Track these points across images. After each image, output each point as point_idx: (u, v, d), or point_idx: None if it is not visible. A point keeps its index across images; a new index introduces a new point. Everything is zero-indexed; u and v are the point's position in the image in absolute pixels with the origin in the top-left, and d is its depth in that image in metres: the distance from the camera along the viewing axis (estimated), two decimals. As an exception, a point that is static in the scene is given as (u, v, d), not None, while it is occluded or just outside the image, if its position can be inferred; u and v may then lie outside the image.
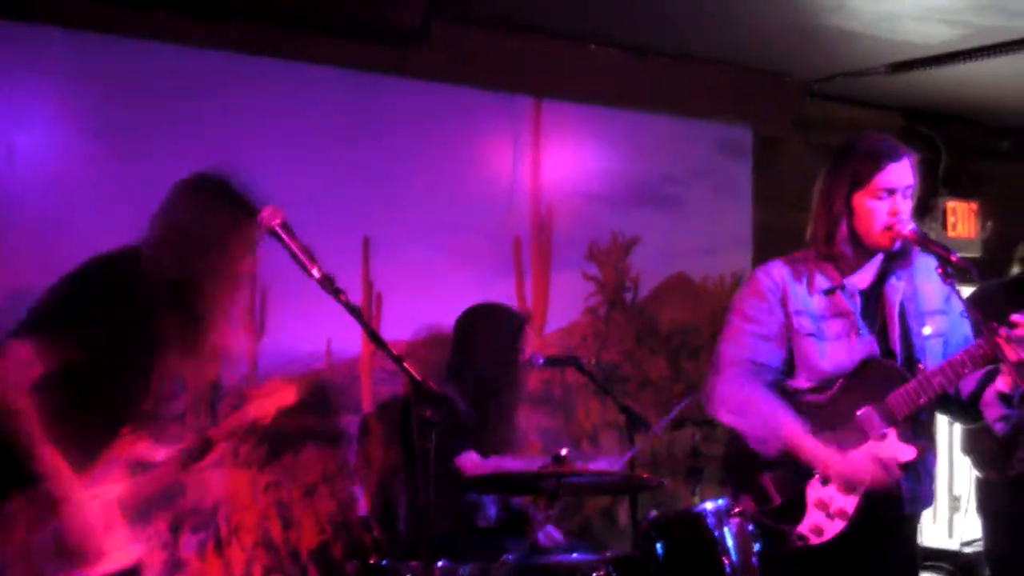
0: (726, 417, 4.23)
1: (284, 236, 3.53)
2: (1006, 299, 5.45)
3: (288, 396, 4.60)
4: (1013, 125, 8.61)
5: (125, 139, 5.55)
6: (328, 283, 3.48)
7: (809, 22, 6.45)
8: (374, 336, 3.53)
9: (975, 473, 5.74)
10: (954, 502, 7.72)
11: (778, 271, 4.26)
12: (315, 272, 3.47)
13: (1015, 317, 3.86)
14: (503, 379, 5.68)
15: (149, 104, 5.63)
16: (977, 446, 5.58)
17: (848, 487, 4.02)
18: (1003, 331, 3.83)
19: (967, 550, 6.37)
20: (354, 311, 3.54)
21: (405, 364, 3.54)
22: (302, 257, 3.50)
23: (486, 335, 5.77)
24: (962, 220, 8.29)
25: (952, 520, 7.73)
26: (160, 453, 4.36)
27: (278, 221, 3.55)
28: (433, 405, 3.55)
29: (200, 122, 5.74)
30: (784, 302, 4.19)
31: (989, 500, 5.74)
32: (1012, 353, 3.80)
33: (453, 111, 6.42)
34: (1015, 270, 5.73)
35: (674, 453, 6.87)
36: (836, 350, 4.11)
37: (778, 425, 4.09)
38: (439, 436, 3.57)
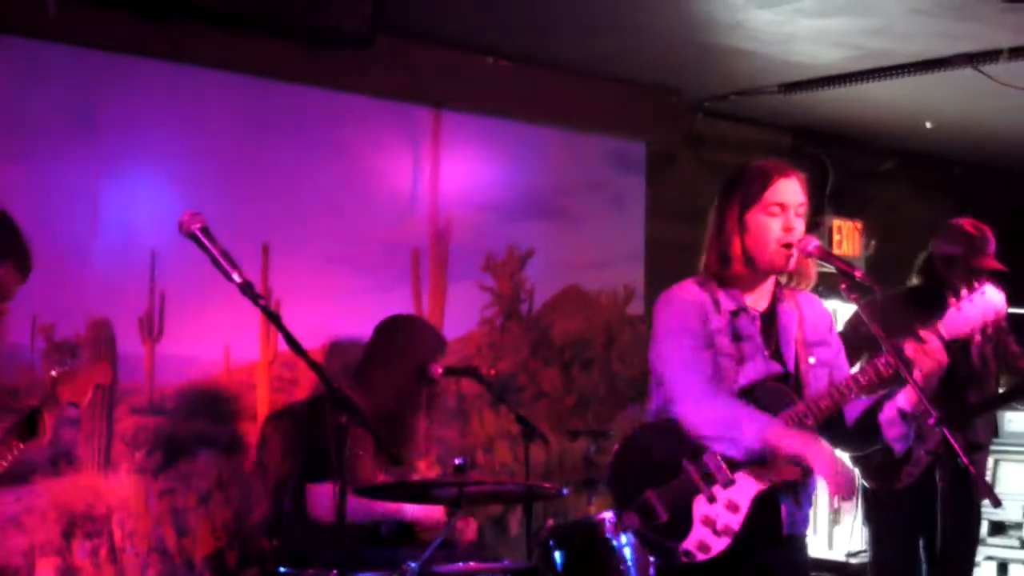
0: (705, 430, 4.19)
1: (205, 241, 3.52)
2: (904, 309, 5.60)
3: (104, 374, 4.63)
4: (897, 147, 8.82)
5: (17, 140, 5.46)
6: (248, 289, 3.47)
7: (704, 40, 6.55)
8: (292, 342, 3.54)
9: (862, 483, 5.88)
10: (834, 515, 7.88)
11: (692, 288, 4.25)
12: (236, 277, 3.47)
13: (923, 333, 3.94)
14: (414, 392, 5.69)
15: (42, 105, 5.55)
16: (867, 459, 5.71)
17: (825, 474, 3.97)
18: (910, 345, 3.92)
19: (853, 561, 6.51)
20: (273, 317, 3.55)
21: (322, 370, 3.56)
22: (223, 262, 3.49)
23: (406, 345, 5.78)
24: (847, 238, 8.47)
25: (832, 532, 7.89)
26: None
27: (198, 226, 3.53)
28: (348, 411, 3.57)
29: (97, 125, 5.68)
30: (704, 318, 4.22)
31: (876, 510, 5.89)
32: (925, 362, 3.88)
33: (353, 119, 6.41)
34: (913, 280, 5.88)
35: (565, 464, 6.94)
36: (747, 369, 4.15)
37: (742, 422, 4.05)
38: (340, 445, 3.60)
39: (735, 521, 4.06)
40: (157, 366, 5.73)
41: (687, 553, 4.07)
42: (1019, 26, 6.16)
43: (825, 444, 4.05)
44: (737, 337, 4.18)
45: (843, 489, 3.97)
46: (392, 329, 5.82)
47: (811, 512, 4.29)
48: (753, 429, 4.02)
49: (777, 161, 4.30)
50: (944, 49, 6.61)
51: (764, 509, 4.09)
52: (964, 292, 4.01)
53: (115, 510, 5.61)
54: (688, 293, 4.24)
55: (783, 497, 4.12)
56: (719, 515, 4.07)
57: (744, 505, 4.07)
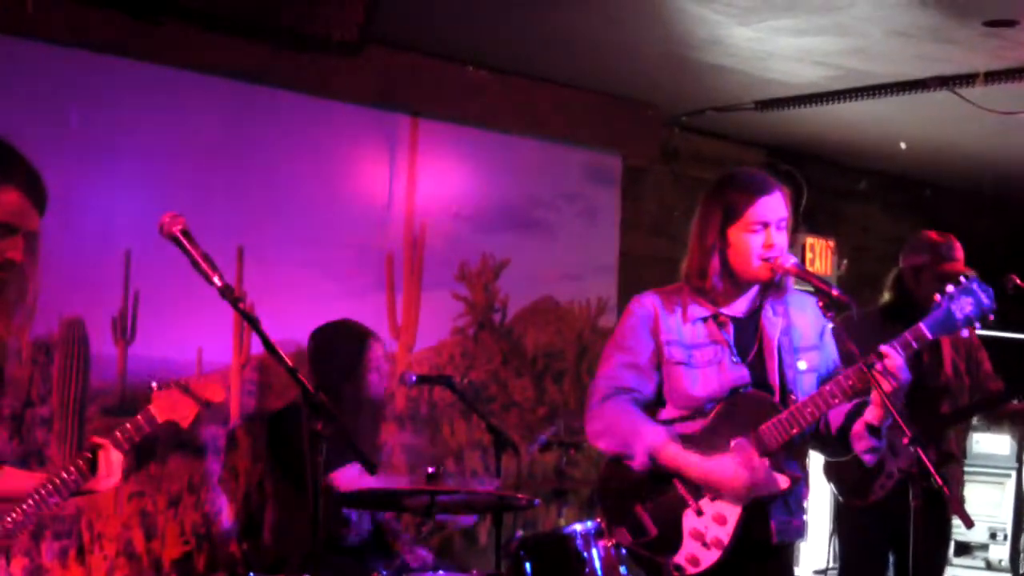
0: (599, 443, 4.25)
1: (185, 243, 3.49)
2: (875, 327, 5.61)
3: (215, 393, 3.92)
4: (871, 167, 8.86)
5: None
6: (228, 292, 3.44)
7: (683, 56, 6.57)
8: (270, 347, 3.51)
9: (836, 499, 5.89)
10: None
11: (651, 301, 4.26)
12: (216, 280, 3.44)
13: (884, 348, 3.95)
14: (350, 393, 5.67)
15: (18, 102, 5.49)
16: (840, 473, 5.74)
17: (729, 493, 4.04)
18: (876, 363, 3.92)
19: (821, 578, 6.53)
20: (252, 321, 3.52)
21: (299, 376, 3.53)
22: (203, 265, 3.46)
23: (330, 349, 5.78)
24: (820, 257, 8.51)
25: (799, 548, 7.90)
26: (26, 480, 3.68)
27: (179, 228, 3.51)
28: (324, 418, 3.55)
29: (74, 123, 5.65)
30: (655, 332, 4.20)
31: (848, 526, 5.90)
32: (885, 384, 3.89)
33: (332, 124, 6.41)
34: (885, 297, 5.89)
35: (536, 475, 6.93)
36: (706, 377, 4.14)
37: (638, 435, 4.09)
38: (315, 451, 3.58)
39: (724, 533, 4.06)
40: (130, 367, 5.71)
41: (678, 567, 4.06)
42: (996, 50, 6.21)
43: (726, 460, 4.05)
44: (696, 345, 4.18)
45: (745, 500, 4.01)
46: (317, 336, 5.82)
47: (804, 520, 4.27)
48: (643, 445, 4.07)
49: (760, 174, 4.28)
50: (921, 71, 6.66)
51: (754, 520, 4.09)
52: (949, 287, 4.01)
53: (84, 511, 5.58)
54: (641, 307, 4.27)
55: (773, 506, 4.13)
56: (708, 528, 4.06)
57: (732, 517, 4.06)
